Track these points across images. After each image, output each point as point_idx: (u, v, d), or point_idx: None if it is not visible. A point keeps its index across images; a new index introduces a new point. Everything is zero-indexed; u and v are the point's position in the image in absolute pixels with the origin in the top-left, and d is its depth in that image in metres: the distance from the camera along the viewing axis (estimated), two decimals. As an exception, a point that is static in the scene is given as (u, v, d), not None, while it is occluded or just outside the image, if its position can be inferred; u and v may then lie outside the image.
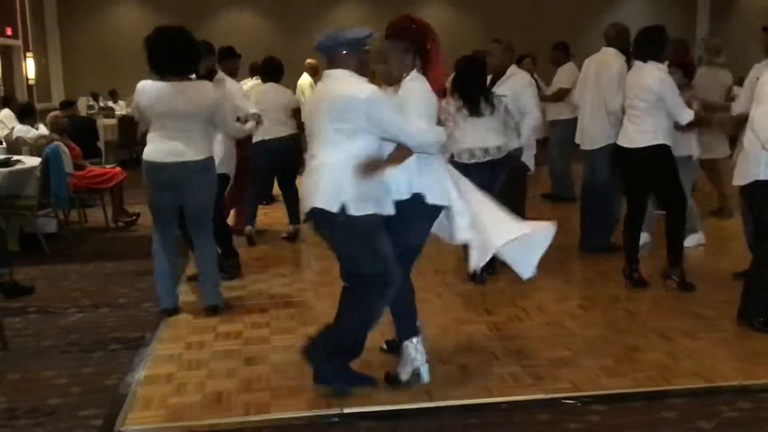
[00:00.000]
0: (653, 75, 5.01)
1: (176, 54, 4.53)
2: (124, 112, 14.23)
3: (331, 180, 3.37)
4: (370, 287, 3.47)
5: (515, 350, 4.13)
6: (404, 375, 3.69)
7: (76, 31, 16.49)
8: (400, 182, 3.53)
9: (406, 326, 3.73)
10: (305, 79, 10.82)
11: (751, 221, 5.05)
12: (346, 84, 3.41)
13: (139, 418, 3.43)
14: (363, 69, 3.49)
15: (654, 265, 5.48)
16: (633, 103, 5.12)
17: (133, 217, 8.00)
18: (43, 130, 8.62)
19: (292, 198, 6.85)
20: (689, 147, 5.90)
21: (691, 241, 6.35)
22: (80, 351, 4.31)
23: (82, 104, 14.02)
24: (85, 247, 7.05)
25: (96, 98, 15.09)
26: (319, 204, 3.37)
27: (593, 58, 6.24)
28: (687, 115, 5.02)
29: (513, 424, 3.32)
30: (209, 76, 5.37)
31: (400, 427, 3.31)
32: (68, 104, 10.61)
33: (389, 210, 3.50)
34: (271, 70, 6.97)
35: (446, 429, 3.30)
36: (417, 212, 3.58)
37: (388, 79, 3.64)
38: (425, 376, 3.70)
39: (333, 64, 3.48)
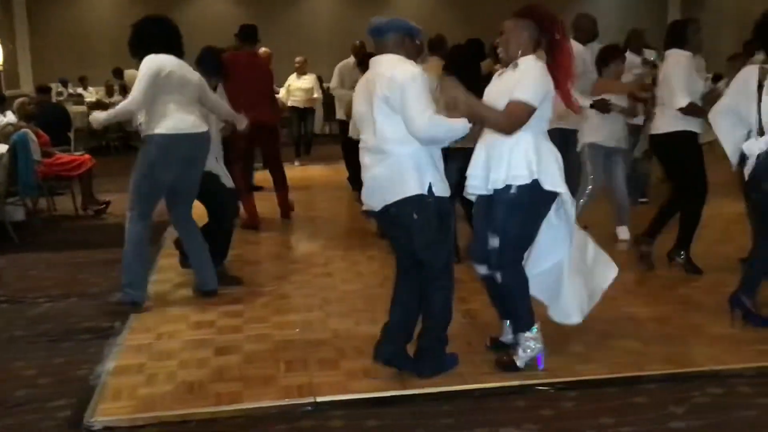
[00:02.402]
0: (668, 61, 5.17)
1: (174, 35, 4.72)
2: (93, 99, 14.03)
3: (414, 167, 3.40)
4: (443, 274, 3.56)
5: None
6: (520, 361, 3.69)
7: (45, 16, 16.19)
8: (520, 166, 3.48)
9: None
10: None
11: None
12: (392, 66, 3.41)
13: (109, 409, 3.37)
14: (413, 55, 3.52)
15: (630, 252, 5.52)
16: (659, 93, 5.30)
17: (103, 205, 7.91)
18: (11, 117, 8.47)
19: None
20: (622, 140, 6.09)
21: (623, 233, 6.40)
22: (49, 341, 4.24)
23: (52, 91, 13.79)
24: (54, 236, 6.95)
25: (65, 85, 14.87)
26: (409, 192, 3.40)
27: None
28: (678, 102, 5.03)
29: (487, 411, 3.33)
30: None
31: (373, 415, 3.30)
32: (46, 89, 10.44)
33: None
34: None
35: (420, 416, 3.29)
36: (535, 198, 3.53)
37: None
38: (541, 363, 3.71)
39: (383, 48, 3.51)
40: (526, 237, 3.63)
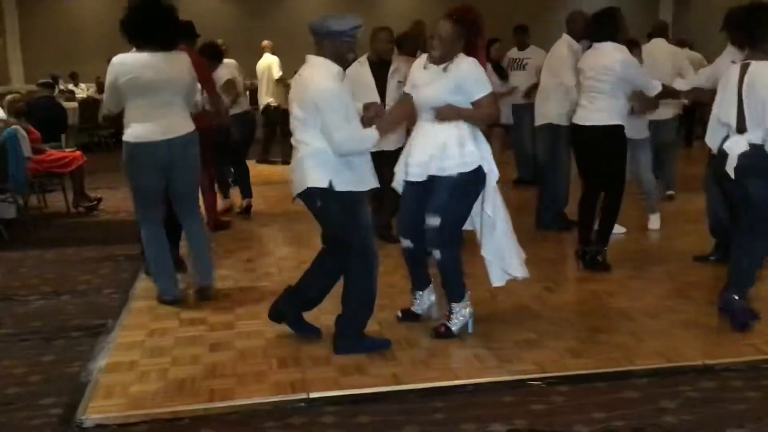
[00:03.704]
0: (613, 56, 5.04)
1: (159, 24, 4.40)
2: (85, 95, 13.98)
3: (315, 164, 3.70)
4: (359, 261, 3.81)
5: (481, 333, 4.14)
6: (455, 327, 4.07)
7: (36, 12, 16.12)
8: (472, 153, 3.91)
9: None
10: (268, 59, 10.66)
11: (714, 199, 5.12)
12: (315, 75, 3.68)
13: (100, 406, 3.36)
14: (339, 58, 3.72)
15: (621, 248, 5.53)
16: (590, 84, 5.17)
17: (95, 202, 7.88)
18: (1, 113, 8.42)
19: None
20: (644, 130, 6.20)
21: (654, 223, 6.48)
22: (40, 339, 4.22)
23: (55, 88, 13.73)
24: (45, 233, 6.93)
25: (56, 81, 14.77)
26: (309, 184, 3.71)
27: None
28: (655, 88, 5.17)
29: (478, 406, 3.33)
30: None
31: (366, 411, 3.30)
32: (49, 85, 10.35)
33: (371, 186, 3.85)
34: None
35: (412, 412, 3.29)
36: (479, 180, 3.97)
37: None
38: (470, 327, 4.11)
39: (316, 49, 3.74)
40: (465, 217, 4.04)
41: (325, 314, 4.13)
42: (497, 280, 4.18)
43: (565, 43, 6.22)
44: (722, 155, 4.08)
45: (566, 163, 6.33)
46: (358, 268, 3.83)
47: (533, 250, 5.86)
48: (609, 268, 5.26)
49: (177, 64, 4.52)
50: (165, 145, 4.41)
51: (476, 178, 3.93)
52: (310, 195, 3.74)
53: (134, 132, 4.42)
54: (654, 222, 6.52)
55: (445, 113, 3.90)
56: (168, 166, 4.47)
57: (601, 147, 5.18)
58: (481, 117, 3.97)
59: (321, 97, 3.61)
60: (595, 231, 5.32)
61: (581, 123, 5.25)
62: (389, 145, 5.57)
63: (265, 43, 10.80)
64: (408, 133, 5.56)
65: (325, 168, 3.68)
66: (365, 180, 3.83)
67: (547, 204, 6.55)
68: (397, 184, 4.16)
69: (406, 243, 4.14)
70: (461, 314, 4.07)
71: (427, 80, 4.00)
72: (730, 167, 4.00)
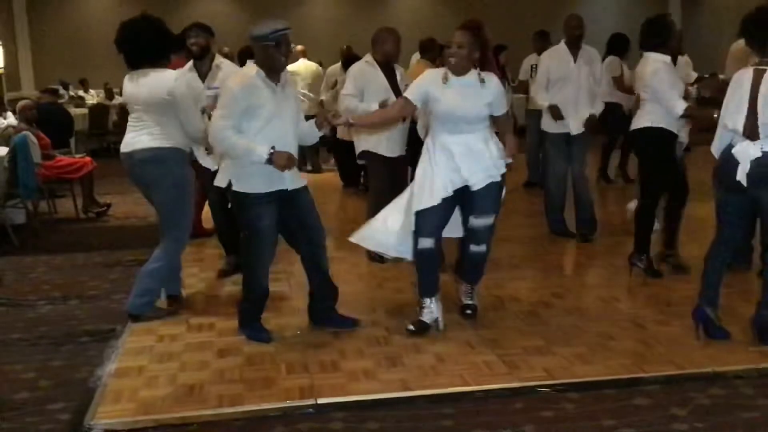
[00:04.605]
0: (647, 67, 5.06)
1: (136, 45, 4.41)
2: (94, 102, 14.03)
3: (224, 164, 4.23)
4: (244, 252, 4.20)
5: (490, 339, 4.13)
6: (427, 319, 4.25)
7: (46, 19, 16.22)
8: (500, 157, 4.30)
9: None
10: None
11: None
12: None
13: (109, 411, 3.37)
14: (265, 61, 3.93)
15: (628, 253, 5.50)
16: (640, 93, 5.21)
17: (104, 208, 7.90)
18: (12, 119, 8.47)
19: None
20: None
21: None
22: (49, 344, 4.23)
23: (59, 92, 13.80)
24: (54, 238, 6.94)
25: (66, 87, 14.86)
26: (219, 183, 4.22)
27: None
28: (675, 107, 4.89)
29: (487, 413, 3.32)
30: (202, 55, 5.15)
31: (374, 417, 3.29)
32: (53, 91, 10.43)
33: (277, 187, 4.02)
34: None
35: (421, 418, 3.28)
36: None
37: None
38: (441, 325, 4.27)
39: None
40: None
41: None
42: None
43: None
44: (730, 162, 3.95)
45: (561, 168, 6.36)
46: (245, 260, 4.23)
47: (542, 258, 5.88)
48: (658, 275, 5.23)
49: (155, 82, 4.39)
50: (125, 157, 4.51)
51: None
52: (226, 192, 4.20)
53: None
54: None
55: (513, 148, 4.31)
56: (135, 181, 4.58)
57: (641, 149, 5.24)
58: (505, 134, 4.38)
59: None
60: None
61: (631, 128, 5.26)
62: (393, 152, 5.58)
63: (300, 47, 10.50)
64: (409, 139, 5.64)
65: (228, 169, 4.10)
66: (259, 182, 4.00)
67: (546, 208, 6.58)
68: (444, 192, 4.17)
69: (428, 243, 4.19)
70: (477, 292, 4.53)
71: (455, 93, 4.12)
72: (742, 174, 3.90)
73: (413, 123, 5.63)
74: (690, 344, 4.04)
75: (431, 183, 4.14)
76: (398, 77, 5.63)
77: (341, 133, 8.23)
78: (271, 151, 3.84)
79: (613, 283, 5.18)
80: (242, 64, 6.80)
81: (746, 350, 3.93)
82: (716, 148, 4.13)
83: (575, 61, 6.20)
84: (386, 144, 5.57)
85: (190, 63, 5.26)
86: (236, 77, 4.02)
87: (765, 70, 3.84)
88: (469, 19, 4.21)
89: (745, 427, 3.18)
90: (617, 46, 8.66)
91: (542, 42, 8.75)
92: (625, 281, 5.20)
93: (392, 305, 4.47)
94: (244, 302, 4.27)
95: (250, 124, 3.89)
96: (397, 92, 5.45)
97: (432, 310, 4.27)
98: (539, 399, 3.45)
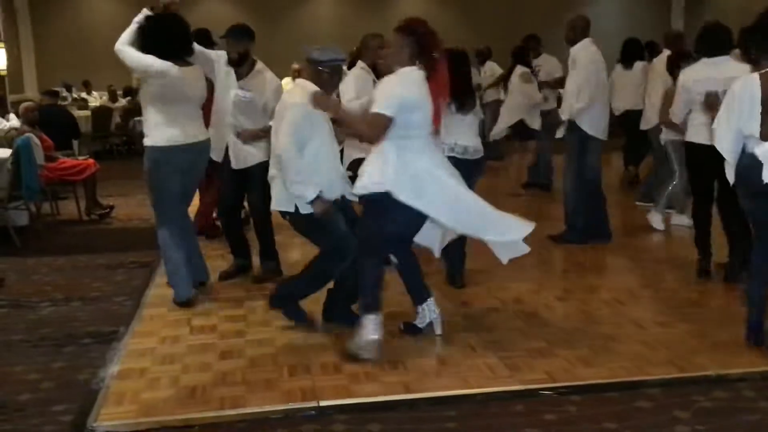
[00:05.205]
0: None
1: (177, 38, 4.66)
2: (97, 104, 14.05)
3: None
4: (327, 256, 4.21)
5: (492, 341, 4.13)
6: (421, 324, 4.22)
7: (49, 21, 16.24)
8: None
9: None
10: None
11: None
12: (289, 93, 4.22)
13: (111, 413, 3.37)
14: (317, 83, 4.05)
15: (633, 256, 5.51)
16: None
17: (107, 210, 7.91)
18: (15, 121, 8.49)
19: None
20: None
21: (682, 220, 6.47)
22: (52, 345, 4.24)
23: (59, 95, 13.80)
24: (57, 240, 6.95)
25: (69, 89, 14.88)
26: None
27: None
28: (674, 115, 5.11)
29: (489, 416, 3.32)
30: (241, 60, 5.13)
31: (376, 419, 3.29)
32: (53, 93, 10.43)
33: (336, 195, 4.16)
34: None
35: (423, 421, 3.28)
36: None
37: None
38: (438, 328, 4.21)
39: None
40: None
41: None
42: (509, 253, 4.18)
43: None
44: (753, 167, 3.85)
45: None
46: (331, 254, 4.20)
47: (544, 260, 5.88)
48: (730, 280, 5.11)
49: (196, 78, 4.81)
50: (188, 148, 4.76)
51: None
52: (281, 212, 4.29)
53: (166, 135, 4.70)
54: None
55: (319, 100, 3.94)
56: (191, 169, 4.85)
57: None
58: (356, 127, 3.96)
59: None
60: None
61: (706, 142, 4.80)
62: None
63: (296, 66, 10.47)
64: None
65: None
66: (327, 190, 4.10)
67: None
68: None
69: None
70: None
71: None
72: (767, 174, 3.81)
73: None
74: (692, 347, 4.03)
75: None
76: None
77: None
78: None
79: (615, 286, 5.18)
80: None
81: (748, 353, 3.92)
82: (728, 150, 3.98)
83: None
84: None
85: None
86: (297, 99, 4.04)
87: None
88: (408, 17, 3.98)
89: (748, 430, 3.18)
90: (633, 51, 8.61)
91: (534, 45, 8.84)
92: (628, 284, 5.20)
93: (394, 308, 4.47)
94: (309, 286, 4.33)
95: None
96: None
97: (425, 315, 4.23)
98: (541, 402, 3.44)
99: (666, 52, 7.36)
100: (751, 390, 3.54)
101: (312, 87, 4.03)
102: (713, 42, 5.15)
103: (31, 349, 4.19)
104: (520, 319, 4.53)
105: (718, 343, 4.08)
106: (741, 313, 4.25)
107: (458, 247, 4.92)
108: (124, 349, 4.13)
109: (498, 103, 9.95)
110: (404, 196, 3.78)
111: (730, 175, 4.01)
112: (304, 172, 4.00)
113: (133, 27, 4.59)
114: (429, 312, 4.20)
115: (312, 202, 4.02)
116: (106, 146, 13.15)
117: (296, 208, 4.11)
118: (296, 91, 4.12)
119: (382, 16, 15.89)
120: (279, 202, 4.21)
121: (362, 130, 3.91)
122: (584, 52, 6.05)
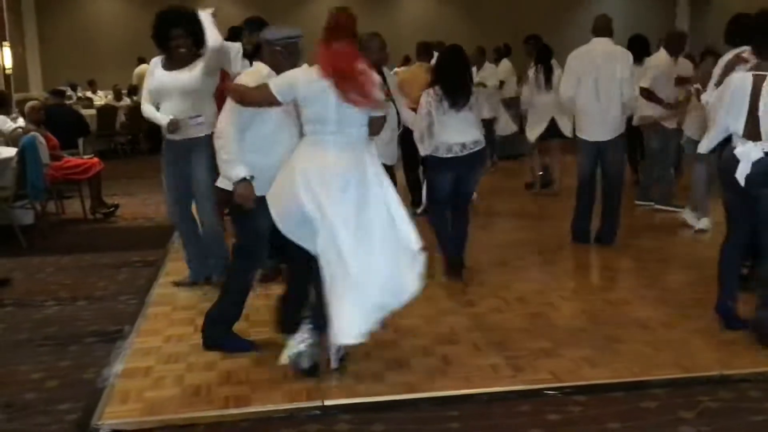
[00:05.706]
0: None
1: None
2: (103, 103, 14.07)
3: None
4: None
5: (496, 341, 4.12)
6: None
7: (54, 20, 16.28)
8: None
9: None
10: None
11: None
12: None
13: (116, 412, 3.38)
14: (273, 64, 3.84)
15: (637, 256, 5.50)
16: None
17: (112, 209, 7.92)
18: (21, 120, 8.49)
19: None
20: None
21: (703, 223, 6.43)
22: (57, 344, 4.25)
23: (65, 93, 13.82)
24: (62, 239, 6.97)
25: (74, 88, 14.91)
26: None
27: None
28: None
29: (493, 416, 3.32)
30: (255, 52, 5.08)
31: (380, 419, 3.29)
32: (59, 92, 10.44)
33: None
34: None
35: (427, 421, 3.28)
36: None
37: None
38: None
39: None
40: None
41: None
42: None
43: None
44: (731, 161, 3.99)
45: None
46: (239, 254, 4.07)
47: (549, 261, 5.87)
48: None
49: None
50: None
51: None
52: None
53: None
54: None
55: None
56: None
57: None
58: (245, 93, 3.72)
59: None
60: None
61: None
62: (387, 160, 5.49)
63: None
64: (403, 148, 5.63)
65: None
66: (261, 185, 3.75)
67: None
68: None
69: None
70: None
71: None
72: (741, 175, 3.93)
73: (408, 131, 5.62)
74: (697, 347, 4.03)
75: None
76: (388, 80, 5.64)
77: None
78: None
79: (619, 286, 5.18)
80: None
81: (753, 353, 3.92)
82: (706, 148, 4.28)
83: None
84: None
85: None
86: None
87: (765, 76, 3.86)
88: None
89: (752, 431, 3.17)
90: (639, 47, 8.57)
91: (531, 46, 8.86)
92: (632, 284, 5.19)
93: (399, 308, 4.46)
94: (224, 303, 4.12)
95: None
96: (388, 95, 5.48)
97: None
98: (545, 402, 3.44)
99: (662, 51, 7.37)
100: (756, 390, 3.53)
101: (265, 69, 3.85)
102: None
103: (36, 348, 4.20)
104: (525, 318, 4.52)
105: (723, 343, 4.07)
106: (746, 313, 4.24)
107: (461, 224, 5.12)
108: (128, 348, 4.13)
109: (514, 100, 9.93)
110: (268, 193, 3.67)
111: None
112: (237, 152, 3.74)
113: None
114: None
115: (237, 183, 3.75)
116: (110, 145, 13.16)
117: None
118: (248, 74, 3.95)
119: (384, 15, 15.90)
120: (222, 179, 4.01)
121: (244, 92, 3.71)
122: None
